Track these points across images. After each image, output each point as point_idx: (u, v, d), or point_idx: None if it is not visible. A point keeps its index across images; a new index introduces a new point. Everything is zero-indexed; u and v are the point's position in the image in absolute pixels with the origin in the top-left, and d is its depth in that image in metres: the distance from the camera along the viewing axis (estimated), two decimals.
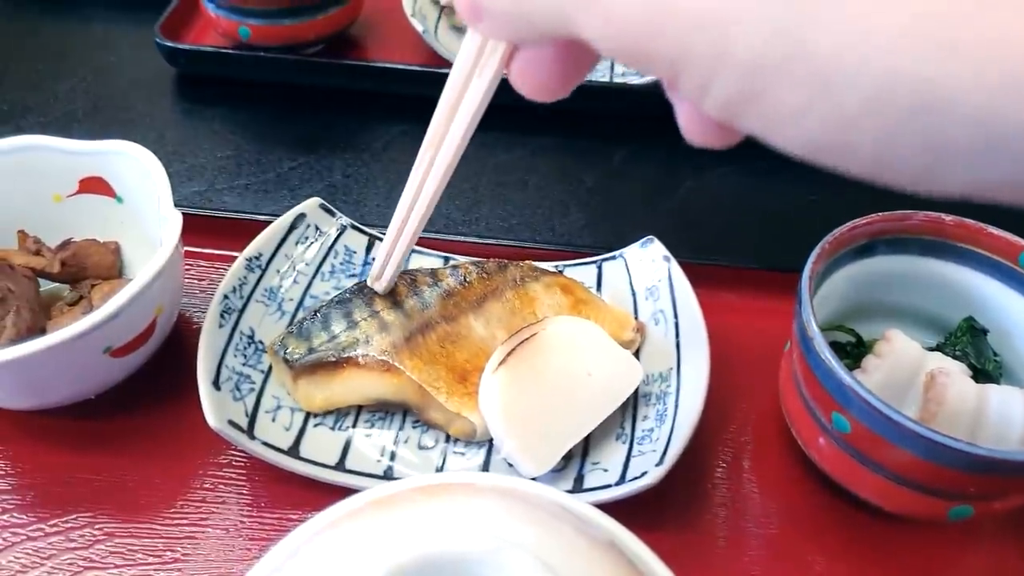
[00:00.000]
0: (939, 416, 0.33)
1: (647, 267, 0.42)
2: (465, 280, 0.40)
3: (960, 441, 0.29)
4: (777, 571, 0.35)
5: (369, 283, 0.39)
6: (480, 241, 0.46)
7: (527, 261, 0.42)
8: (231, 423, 0.34)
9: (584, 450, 0.37)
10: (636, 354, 0.40)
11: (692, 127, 0.22)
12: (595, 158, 0.55)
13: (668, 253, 0.41)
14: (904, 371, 0.35)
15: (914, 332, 0.39)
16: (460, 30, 0.59)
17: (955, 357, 0.37)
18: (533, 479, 0.35)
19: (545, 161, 0.55)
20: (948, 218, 0.37)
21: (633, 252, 0.43)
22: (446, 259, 0.44)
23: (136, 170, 0.39)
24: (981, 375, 0.37)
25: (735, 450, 0.39)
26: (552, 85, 0.23)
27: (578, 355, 0.37)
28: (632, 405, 0.38)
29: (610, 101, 0.56)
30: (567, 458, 0.37)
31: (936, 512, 0.33)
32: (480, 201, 0.52)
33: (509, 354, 0.36)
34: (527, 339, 0.36)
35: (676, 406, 0.36)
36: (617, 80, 0.57)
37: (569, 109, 0.55)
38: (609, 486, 0.34)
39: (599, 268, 0.43)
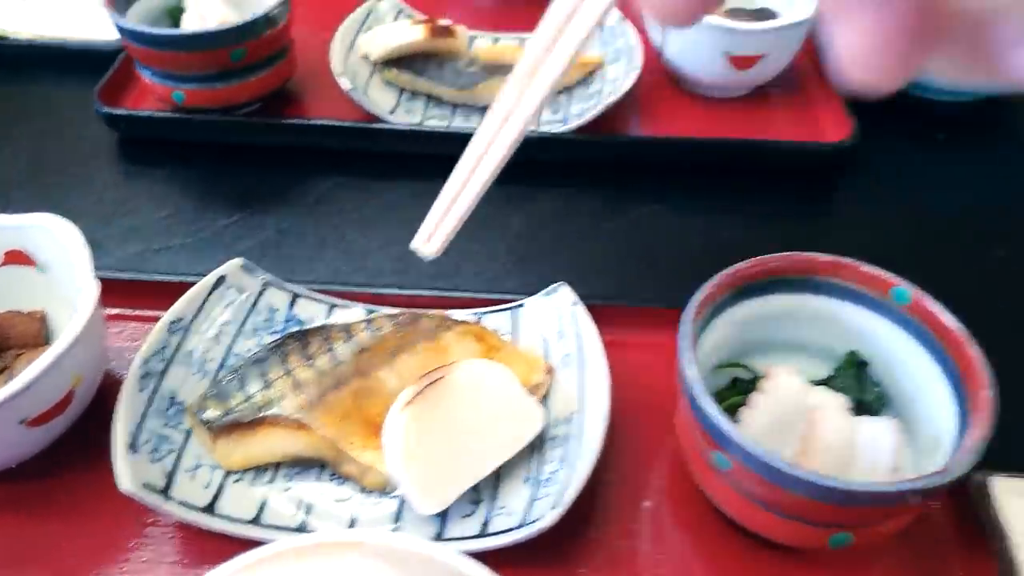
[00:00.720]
0: (816, 452, 0.35)
1: (557, 312, 0.44)
2: (378, 334, 0.42)
3: (826, 478, 0.31)
4: None
5: (415, 246, 0.35)
6: (403, 293, 0.48)
7: (440, 312, 0.44)
8: (146, 485, 0.36)
9: (494, 494, 0.39)
10: (545, 397, 0.42)
11: (857, 53, 0.18)
12: (524, 203, 0.58)
13: (576, 298, 0.43)
14: (786, 406, 0.37)
15: (810, 365, 0.42)
16: (393, 84, 0.62)
17: (840, 389, 0.39)
18: (436, 514, 0.37)
19: (476, 207, 0.57)
20: (822, 257, 0.40)
21: (544, 298, 0.45)
22: (370, 311, 0.46)
23: (56, 241, 0.41)
24: (864, 406, 0.40)
25: (636, 488, 0.40)
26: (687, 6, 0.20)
27: (484, 399, 0.39)
28: (540, 448, 0.40)
29: (537, 150, 0.58)
30: (477, 502, 0.38)
31: (818, 541, 0.35)
32: (408, 253, 0.54)
33: (417, 394, 0.38)
34: (435, 381, 0.38)
35: (579, 448, 0.38)
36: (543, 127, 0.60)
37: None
38: (511, 530, 0.36)
39: (514, 314, 0.45)
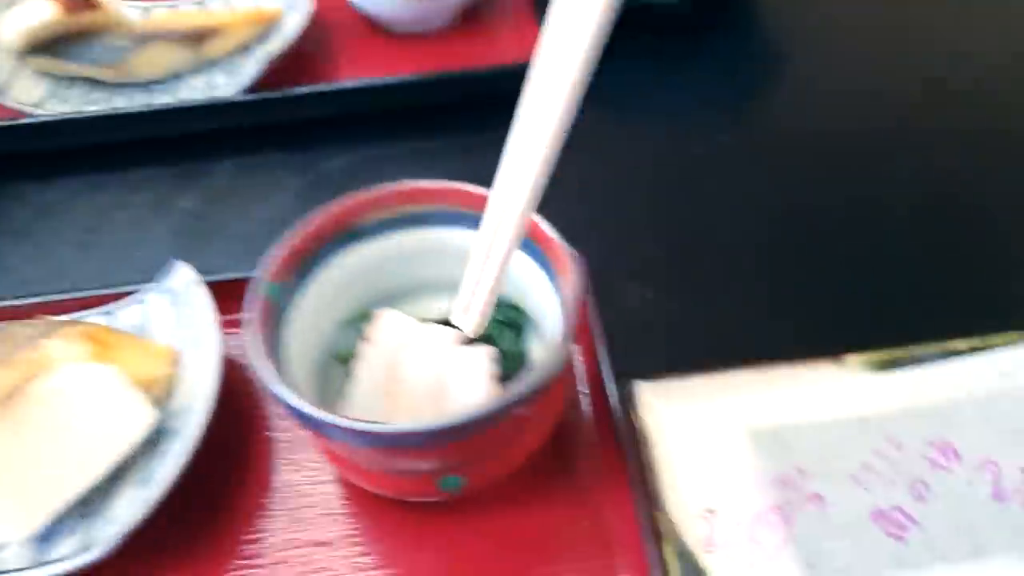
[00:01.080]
0: (401, 394, 0.32)
1: (178, 294, 0.40)
2: None
3: (372, 424, 0.28)
4: (302, 557, 0.34)
5: (453, 319, 0.31)
6: (22, 303, 0.42)
7: (43, 316, 0.39)
8: None
9: (105, 503, 0.35)
10: (174, 385, 0.38)
11: None
12: (199, 179, 0.53)
13: (195, 276, 0.39)
14: (394, 350, 0.35)
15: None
16: (49, 74, 0.56)
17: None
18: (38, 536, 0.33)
19: (138, 194, 0.52)
20: (428, 185, 0.37)
21: (166, 282, 0.41)
22: None
23: None
24: (508, 328, 0.37)
25: (251, 459, 0.37)
26: None
27: (80, 404, 0.35)
28: (157, 444, 0.36)
29: (205, 119, 0.53)
30: (85, 516, 0.35)
31: (428, 488, 0.33)
32: (61, 256, 0.48)
33: None
34: (12, 389, 0.34)
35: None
36: (215, 93, 0.55)
37: (164, 136, 0.53)
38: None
39: (144, 305, 0.41)
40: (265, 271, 0.33)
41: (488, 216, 0.30)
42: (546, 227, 0.34)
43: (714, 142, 0.53)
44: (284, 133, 0.54)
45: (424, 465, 0.31)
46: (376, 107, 0.54)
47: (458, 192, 0.36)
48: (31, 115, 0.52)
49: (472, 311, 0.31)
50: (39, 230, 0.50)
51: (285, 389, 0.29)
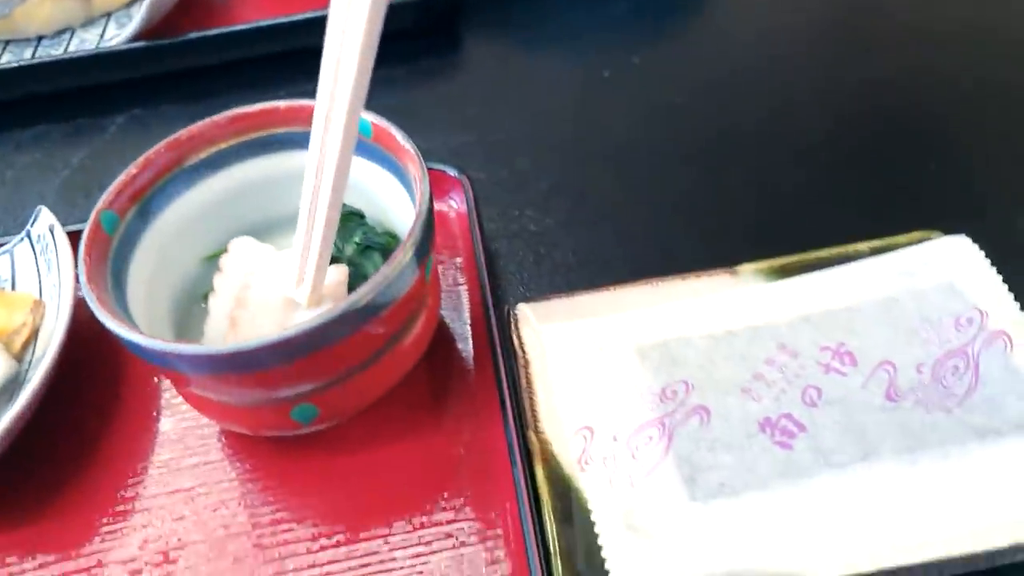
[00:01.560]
0: (243, 323, 0.30)
1: (43, 239, 0.38)
2: None
3: (199, 346, 0.27)
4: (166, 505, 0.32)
5: (290, 293, 0.30)
6: None
7: None
8: None
9: None
10: (36, 335, 0.37)
11: None
12: (89, 133, 0.51)
13: (54, 221, 0.38)
14: (248, 281, 0.33)
15: None
16: None
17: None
18: None
19: (26, 152, 0.50)
20: (281, 105, 0.35)
21: (30, 229, 0.39)
22: None
23: None
24: (375, 251, 0.35)
25: (116, 408, 0.36)
26: None
27: None
28: (16, 395, 0.35)
29: (97, 70, 0.51)
30: None
31: (281, 421, 0.31)
32: None
33: None
34: None
35: None
36: (105, 46, 0.53)
37: (54, 92, 0.51)
38: None
39: (12, 255, 0.39)
40: (102, 201, 0.31)
41: (306, 184, 0.28)
42: (399, 136, 0.32)
43: (625, 64, 0.51)
44: (178, 83, 0.52)
45: (270, 392, 0.29)
46: (270, 50, 0.52)
47: (311, 111, 0.34)
48: None
49: (305, 282, 0.30)
50: None
51: (108, 314, 0.27)
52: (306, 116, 0.34)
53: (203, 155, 0.34)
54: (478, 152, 0.46)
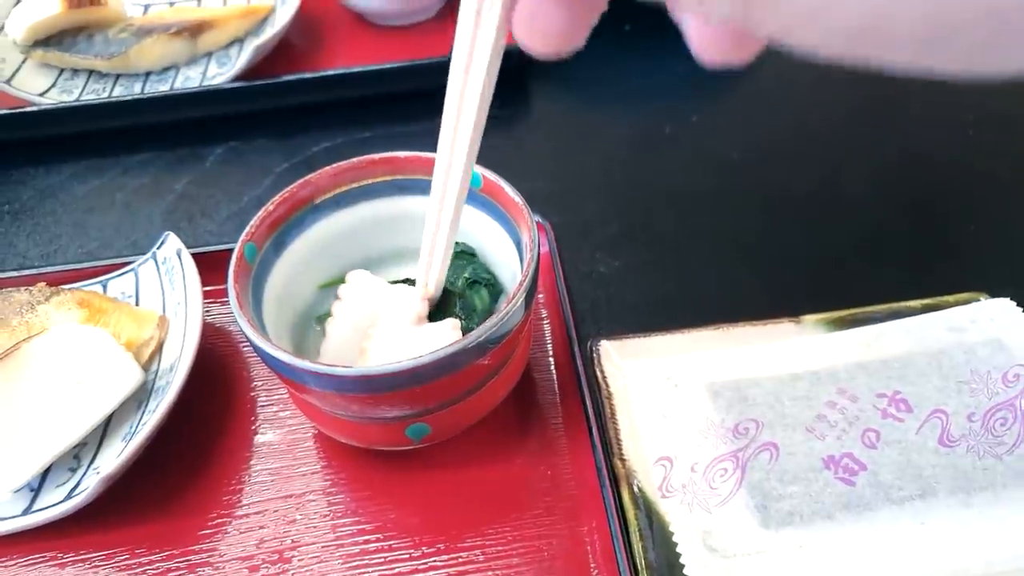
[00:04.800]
0: (371, 356, 0.34)
1: (171, 262, 0.42)
2: None
3: (338, 367, 0.30)
4: (280, 509, 0.36)
5: (422, 300, 0.35)
6: (24, 273, 0.44)
7: (40, 283, 0.42)
8: None
9: (94, 456, 0.37)
10: (161, 348, 0.40)
11: (705, 43, 0.19)
12: (190, 163, 0.56)
13: (181, 246, 0.42)
14: (367, 309, 0.36)
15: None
16: (52, 66, 0.59)
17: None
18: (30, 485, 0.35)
19: (134, 177, 0.55)
20: (401, 155, 0.39)
21: (157, 252, 0.43)
22: None
23: None
24: (483, 287, 0.38)
25: (233, 418, 0.39)
26: (562, 28, 0.20)
27: (70, 363, 0.37)
28: (145, 402, 0.38)
29: (199, 105, 0.56)
30: (74, 469, 0.37)
31: (396, 437, 0.34)
32: (60, 234, 0.51)
33: None
34: (7, 349, 0.36)
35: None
36: (207, 84, 0.57)
37: (159, 123, 0.56)
38: (61, 502, 0.34)
39: (137, 273, 0.43)
40: (245, 233, 0.35)
41: (433, 190, 0.32)
42: (508, 188, 0.36)
43: (684, 120, 0.55)
44: (271, 120, 0.57)
45: (390, 412, 0.33)
46: (358, 94, 0.57)
47: (428, 161, 0.38)
48: (35, 104, 0.55)
49: (432, 287, 0.34)
50: (40, 211, 0.52)
51: (257, 335, 0.31)
52: (420, 165, 0.38)
53: (329, 195, 0.38)
54: (550, 198, 0.50)
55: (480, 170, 0.37)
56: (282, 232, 0.37)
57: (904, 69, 0.16)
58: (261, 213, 0.36)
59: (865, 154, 0.52)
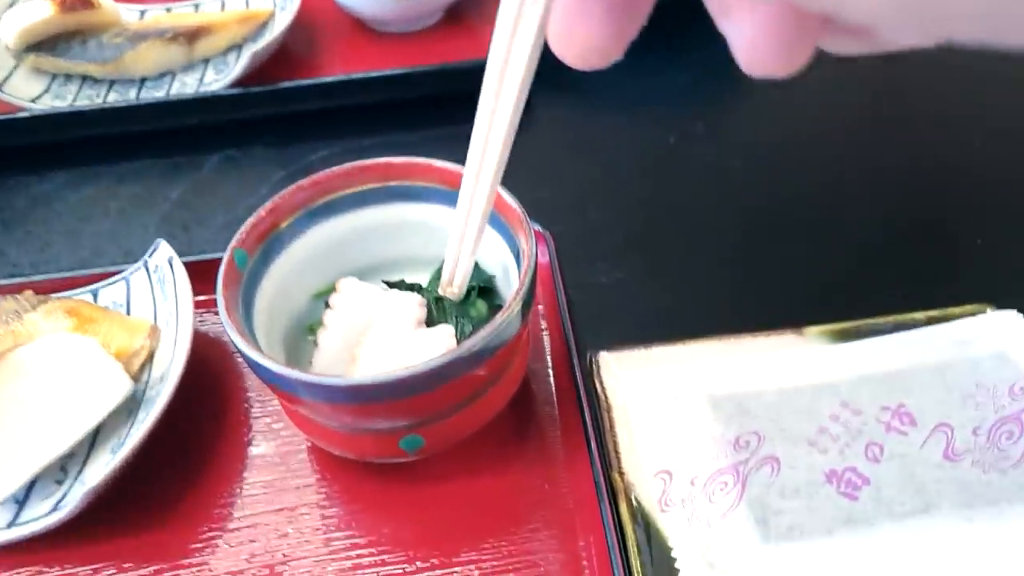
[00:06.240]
0: (361, 364, 0.33)
1: (162, 270, 0.41)
2: None
3: (327, 377, 0.30)
4: (271, 523, 0.35)
5: (441, 291, 0.33)
6: (10, 282, 0.44)
7: (27, 291, 0.41)
8: None
9: (81, 468, 0.36)
10: (152, 358, 0.40)
11: (753, 49, 0.18)
12: (187, 170, 0.55)
13: (172, 253, 0.41)
14: (359, 317, 0.36)
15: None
16: (45, 71, 0.58)
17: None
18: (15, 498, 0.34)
19: (129, 185, 0.54)
20: (396, 161, 0.38)
21: (148, 260, 0.42)
22: None
23: None
24: (480, 295, 0.38)
25: (224, 429, 0.39)
26: (602, 41, 0.19)
27: (57, 373, 0.36)
28: (135, 413, 0.38)
29: (195, 112, 0.55)
30: (60, 481, 0.36)
31: (389, 449, 0.34)
32: (51, 242, 0.50)
33: None
34: None
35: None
36: (204, 90, 0.57)
37: (155, 130, 0.55)
38: (47, 514, 0.33)
39: (128, 282, 0.43)
40: (235, 240, 0.35)
41: (462, 195, 0.31)
42: (507, 196, 0.35)
43: (686, 131, 0.55)
44: (269, 128, 0.56)
45: (383, 423, 0.32)
46: (356, 101, 0.56)
47: (423, 167, 0.38)
48: (28, 110, 0.54)
49: (456, 285, 0.33)
50: (32, 219, 0.52)
51: (246, 343, 0.31)
52: (415, 171, 0.38)
53: (322, 201, 0.37)
54: (552, 208, 0.49)
55: None
56: (273, 239, 0.36)
57: (964, 38, 0.15)
58: (252, 219, 0.35)
59: (870, 165, 0.51)
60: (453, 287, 0.33)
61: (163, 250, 0.41)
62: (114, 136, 0.56)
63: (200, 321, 0.43)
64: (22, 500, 0.35)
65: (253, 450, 0.38)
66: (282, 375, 0.30)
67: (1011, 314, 0.38)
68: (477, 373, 0.32)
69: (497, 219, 0.36)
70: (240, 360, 0.42)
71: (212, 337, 0.43)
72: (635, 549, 0.32)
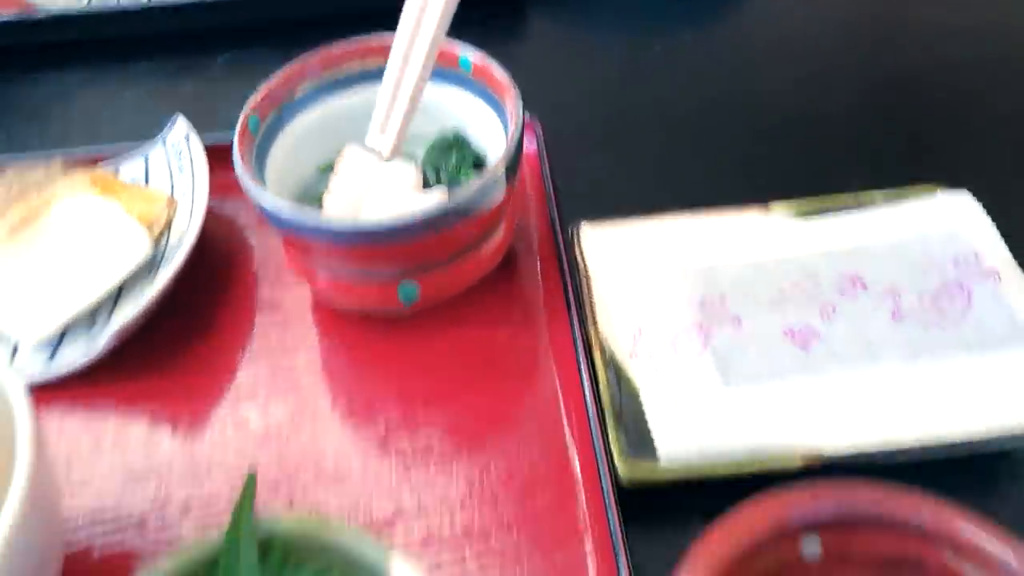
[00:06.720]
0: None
1: (178, 146, 0.45)
2: None
3: (336, 220, 0.33)
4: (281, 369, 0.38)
5: (369, 141, 0.35)
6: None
7: (56, 161, 0.44)
8: None
9: (109, 318, 0.40)
10: (169, 226, 0.43)
11: None
12: (197, 71, 0.58)
13: (188, 130, 0.44)
14: (359, 182, 0.39)
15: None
16: None
17: (431, 161, 0.41)
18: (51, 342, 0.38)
19: (142, 82, 0.57)
20: (375, 40, 0.40)
21: (166, 134, 0.45)
22: None
23: None
24: (476, 170, 0.41)
25: (235, 290, 0.42)
26: None
27: (84, 231, 0.40)
28: (155, 270, 0.41)
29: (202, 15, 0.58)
30: (90, 328, 0.40)
31: (388, 297, 0.37)
32: (69, 134, 0.53)
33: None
34: (25, 218, 0.39)
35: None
36: None
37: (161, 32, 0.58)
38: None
39: (147, 158, 0.46)
40: (247, 107, 0.37)
41: (397, 42, 0.32)
42: (496, 71, 0.38)
43: (676, 38, 0.57)
44: (275, 32, 0.59)
45: (383, 267, 0.35)
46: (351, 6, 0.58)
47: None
48: (45, 10, 0.56)
49: (388, 132, 0.35)
50: (52, 112, 0.55)
51: (260, 190, 0.34)
52: None
53: (329, 75, 0.40)
54: (544, 106, 0.52)
55: (470, 53, 0.39)
56: (283, 107, 0.39)
57: None
58: (263, 87, 0.38)
59: (849, 64, 0.54)
60: (385, 139, 0.34)
61: (180, 126, 0.44)
62: (128, 37, 0.58)
63: (213, 204, 0.46)
64: (56, 344, 0.39)
65: (260, 306, 0.41)
66: (292, 218, 0.33)
67: (962, 194, 0.41)
68: (468, 227, 0.35)
69: (489, 95, 0.39)
70: (250, 236, 0.45)
71: (226, 218, 0.46)
72: (606, 389, 0.35)
